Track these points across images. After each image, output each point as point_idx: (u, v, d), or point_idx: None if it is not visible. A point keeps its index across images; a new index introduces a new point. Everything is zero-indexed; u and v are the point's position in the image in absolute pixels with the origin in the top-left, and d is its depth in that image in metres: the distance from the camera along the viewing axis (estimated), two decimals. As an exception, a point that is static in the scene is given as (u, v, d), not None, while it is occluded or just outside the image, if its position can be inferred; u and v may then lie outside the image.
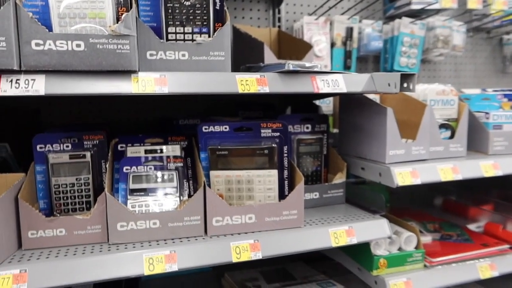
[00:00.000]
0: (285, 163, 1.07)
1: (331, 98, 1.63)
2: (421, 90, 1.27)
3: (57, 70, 0.80)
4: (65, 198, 1.01)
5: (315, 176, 1.28)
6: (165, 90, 0.86)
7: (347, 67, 1.77)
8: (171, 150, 1.08)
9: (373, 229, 1.09)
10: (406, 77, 1.02)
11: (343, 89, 0.99)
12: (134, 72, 0.85)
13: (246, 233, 1.00)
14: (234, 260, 0.94)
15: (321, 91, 0.97)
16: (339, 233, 1.05)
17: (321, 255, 1.52)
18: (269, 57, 1.30)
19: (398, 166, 1.11)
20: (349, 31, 1.75)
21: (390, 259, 1.16)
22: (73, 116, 1.46)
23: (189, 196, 1.03)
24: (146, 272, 0.88)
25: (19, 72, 0.78)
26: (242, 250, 0.95)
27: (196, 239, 0.97)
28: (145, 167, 1.03)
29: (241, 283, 1.37)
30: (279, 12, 1.75)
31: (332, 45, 1.75)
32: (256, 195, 1.05)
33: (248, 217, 1.00)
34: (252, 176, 1.04)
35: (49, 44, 0.78)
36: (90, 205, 1.02)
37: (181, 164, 1.06)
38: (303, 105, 1.56)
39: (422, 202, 1.86)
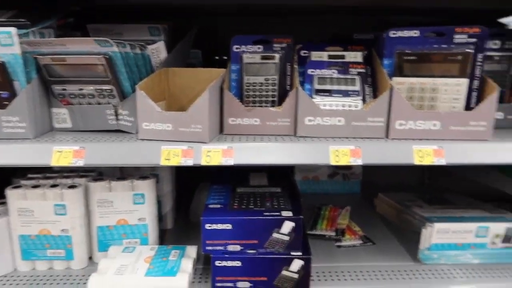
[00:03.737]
0: (477, 72, 1.01)
1: (514, 20, 1.45)
2: None
3: None
4: (254, 96, 1.10)
5: (499, 98, 1.18)
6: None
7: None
8: (353, 56, 1.10)
9: None
10: None
11: None
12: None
13: (428, 139, 0.99)
14: (416, 162, 0.94)
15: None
16: (533, 150, 0.97)
17: (480, 192, 1.45)
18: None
19: None
20: None
21: None
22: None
23: (370, 101, 1.05)
24: (332, 162, 0.93)
25: None
26: (425, 154, 0.95)
27: (378, 140, 0.99)
28: (329, 70, 1.07)
29: (399, 201, 1.38)
30: None
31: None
32: (440, 105, 1.02)
33: (433, 123, 0.98)
34: (438, 85, 1.01)
35: None
36: (275, 104, 1.10)
37: (363, 70, 1.07)
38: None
39: None
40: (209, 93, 0.93)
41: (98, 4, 1.21)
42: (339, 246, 1.25)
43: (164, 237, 1.32)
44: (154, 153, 0.95)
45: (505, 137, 1.04)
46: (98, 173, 1.23)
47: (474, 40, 0.99)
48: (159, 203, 1.33)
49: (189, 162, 0.94)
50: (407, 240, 1.28)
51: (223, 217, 1.01)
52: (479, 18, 1.33)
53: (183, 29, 1.27)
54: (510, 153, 0.97)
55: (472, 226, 1.13)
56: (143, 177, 1.16)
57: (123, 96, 1.02)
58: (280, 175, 1.33)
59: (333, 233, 1.30)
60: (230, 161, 0.94)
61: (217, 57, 1.46)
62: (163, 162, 0.94)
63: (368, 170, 1.74)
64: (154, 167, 1.30)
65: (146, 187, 1.14)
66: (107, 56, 0.93)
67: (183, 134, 0.95)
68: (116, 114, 1.03)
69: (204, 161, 0.94)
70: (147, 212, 1.15)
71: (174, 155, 0.94)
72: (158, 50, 1.08)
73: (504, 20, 1.35)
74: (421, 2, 1.22)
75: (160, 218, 1.34)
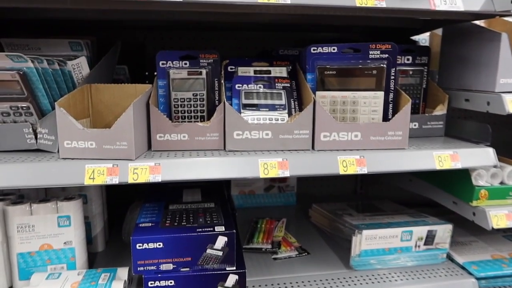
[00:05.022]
0: (391, 85, 1.08)
1: (427, 37, 1.58)
2: (537, 19, 1.20)
3: None
4: (182, 111, 1.10)
5: (413, 109, 1.28)
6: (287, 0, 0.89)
7: None
8: (278, 71, 1.13)
9: (478, 156, 1.08)
10: (531, -7, 0.97)
11: (460, 7, 0.97)
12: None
13: (351, 150, 1.04)
14: (341, 172, 0.99)
15: (437, 9, 0.96)
16: (444, 157, 1.05)
17: (407, 199, 1.54)
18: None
19: (510, 95, 1.07)
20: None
21: (492, 191, 1.14)
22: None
23: (296, 114, 1.08)
24: (262, 175, 0.95)
25: None
26: (349, 164, 0.99)
27: (305, 152, 1.02)
28: (255, 85, 1.09)
29: (331, 211, 1.42)
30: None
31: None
32: (360, 117, 1.08)
33: (354, 134, 1.03)
34: (357, 98, 1.07)
35: None
36: (204, 119, 1.10)
37: (288, 85, 1.11)
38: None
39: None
40: (134, 109, 0.91)
41: (14, 18, 1.15)
42: (275, 259, 1.26)
43: (95, 261, 1.25)
44: (78, 172, 0.91)
45: (420, 145, 1.12)
46: (18, 196, 1.16)
47: (386, 55, 1.07)
48: (89, 225, 1.27)
49: (115, 180, 0.91)
50: (340, 248, 1.32)
51: (154, 236, 0.99)
52: (393, 35, 1.44)
53: (110, 44, 1.24)
54: (425, 160, 1.05)
55: (398, 231, 1.19)
56: (68, 198, 1.10)
57: (42, 113, 0.97)
58: (214, 190, 1.33)
59: (269, 246, 1.31)
60: (158, 178, 0.92)
61: (147, 73, 1.44)
62: (87, 182, 0.90)
63: (303, 182, 1.79)
64: (82, 187, 1.24)
65: (71, 208, 1.09)
66: (21, 72, 0.89)
67: (108, 151, 0.92)
68: (35, 133, 0.98)
69: (131, 179, 0.92)
70: (74, 234, 1.10)
71: (98, 174, 0.91)
72: (79, 66, 1.04)
73: (415, 37, 1.46)
74: (343, 20, 1.29)
75: (90, 240, 1.28)
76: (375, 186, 1.83)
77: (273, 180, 1.66)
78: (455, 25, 1.24)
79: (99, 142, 0.91)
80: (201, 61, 1.11)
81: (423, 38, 1.56)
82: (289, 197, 1.69)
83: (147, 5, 0.92)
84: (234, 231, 1.01)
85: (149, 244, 0.98)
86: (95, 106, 1.07)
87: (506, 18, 1.28)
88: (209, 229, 1.01)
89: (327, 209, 1.45)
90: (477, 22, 1.25)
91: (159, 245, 0.98)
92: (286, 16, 1.19)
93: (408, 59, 1.26)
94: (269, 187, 1.67)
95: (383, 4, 0.93)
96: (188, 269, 1.01)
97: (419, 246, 1.21)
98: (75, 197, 1.11)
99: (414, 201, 1.54)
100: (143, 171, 0.92)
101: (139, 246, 0.98)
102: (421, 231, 1.20)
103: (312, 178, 1.81)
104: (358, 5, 0.92)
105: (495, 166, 1.09)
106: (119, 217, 1.44)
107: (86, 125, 1.04)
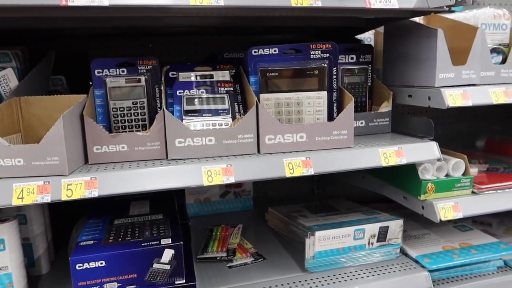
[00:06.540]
0: (334, 85, 1.08)
1: (372, 36, 1.60)
2: (472, 15, 1.24)
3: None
4: (122, 121, 1.05)
5: (360, 107, 1.29)
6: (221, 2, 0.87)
7: None
8: (221, 75, 1.10)
9: (422, 151, 1.09)
10: (461, -11, 0.99)
11: (395, 5, 0.98)
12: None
13: (297, 151, 1.02)
14: (288, 174, 0.97)
15: (372, 7, 0.96)
16: (389, 153, 1.05)
17: (364, 196, 1.55)
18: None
19: (449, 89, 1.10)
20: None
21: (438, 184, 1.16)
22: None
23: (241, 118, 1.06)
24: (205, 183, 0.92)
25: None
26: (295, 166, 0.98)
27: (250, 156, 1.00)
28: (197, 90, 1.06)
29: (286, 214, 1.41)
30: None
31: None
32: (306, 118, 1.07)
33: (300, 135, 1.02)
34: (301, 98, 1.06)
35: None
36: (146, 128, 1.06)
37: (231, 89, 1.08)
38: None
39: (464, 146, 1.83)
40: (64, 121, 0.86)
41: None
42: (230, 267, 1.22)
43: (38, 284, 1.17)
44: (4, 192, 0.85)
45: (367, 142, 1.12)
46: None
47: (327, 55, 1.06)
48: (30, 246, 1.19)
49: (47, 199, 0.85)
50: (296, 252, 1.30)
51: (95, 254, 0.93)
52: (340, 34, 1.45)
53: (46, 54, 1.18)
54: (370, 157, 1.05)
55: (350, 230, 1.19)
56: (2, 220, 1.03)
57: (-37, 131, 0.90)
58: (164, 200, 1.28)
59: (224, 254, 1.27)
60: (94, 193, 0.87)
61: (91, 83, 1.37)
62: (16, 202, 0.84)
63: (260, 185, 1.77)
64: (20, 207, 1.16)
65: (5, 231, 1.01)
66: None
67: (38, 168, 0.86)
68: (-43, 153, 0.90)
69: (64, 196, 0.86)
70: (9, 259, 1.02)
71: (28, 193, 0.85)
72: (6, 78, 0.98)
73: (359, 36, 1.48)
74: (290, 21, 1.28)
75: (33, 263, 1.20)
76: (333, 186, 1.84)
77: (228, 185, 1.63)
78: (395, 23, 1.26)
79: (28, 159, 0.85)
80: (139, 68, 1.06)
81: (368, 37, 1.58)
82: (245, 202, 1.67)
83: (69, 11, 0.87)
84: (181, 242, 0.97)
85: (90, 264, 0.93)
86: (26, 120, 1.00)
87: (444, 15, 1.31)
88: (155, 242, 0.97)
89: (282, 212, 1.43)
90: (416, 19, 1.27)
91: (101, 263, 0.93)
92: (229, 19, 1.17)
93: (352, 58, 1.27)
94: (225, 193, 1.63)
95: (319, 4, 0.92)
96: (134, 286, 0.96)
97: (372, 244, 1.21)
98: (9, 219, 1.04)
99: (371, 198, 1.55)
100: (78, 187, 0.86)
101: (79, 266, 0.92)
102: (373, 228, 1.20)
103: (269, 181, 1.80)
104: (293, 5, 0.90)
105: (438, 160, 1.11)
106: (66, 235, 1.36)
107: (16, 140, 0.98)
